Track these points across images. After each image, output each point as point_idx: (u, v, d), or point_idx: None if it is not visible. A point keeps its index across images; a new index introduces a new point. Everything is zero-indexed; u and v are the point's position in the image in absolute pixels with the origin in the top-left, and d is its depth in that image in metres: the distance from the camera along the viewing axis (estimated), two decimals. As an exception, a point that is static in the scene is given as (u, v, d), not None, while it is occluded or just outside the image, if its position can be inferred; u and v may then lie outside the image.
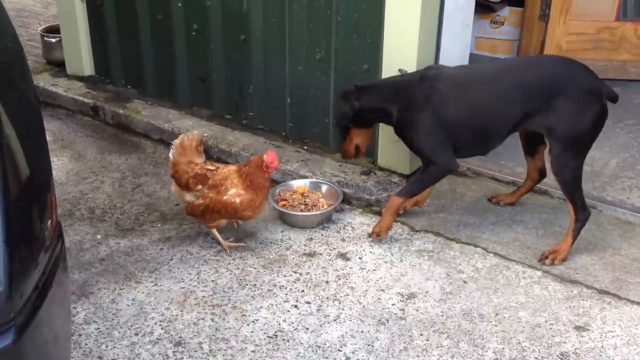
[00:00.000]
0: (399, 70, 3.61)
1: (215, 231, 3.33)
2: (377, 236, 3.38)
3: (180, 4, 4.42)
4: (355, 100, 3.31)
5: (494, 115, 3.19)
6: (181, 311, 2.94)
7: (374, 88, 3.39)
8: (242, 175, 3.20)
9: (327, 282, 3.14)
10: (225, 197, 3.17)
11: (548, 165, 3.27)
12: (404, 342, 2.78)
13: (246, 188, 3.18)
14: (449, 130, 3.19)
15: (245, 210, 3.21)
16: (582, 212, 3.22)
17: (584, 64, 3.23)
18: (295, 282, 3.13)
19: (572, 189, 3.19)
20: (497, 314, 2.94)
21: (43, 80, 5.10)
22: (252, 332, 2.82)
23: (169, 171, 3.31)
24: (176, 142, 3.27)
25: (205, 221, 3.30)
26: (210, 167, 3.26)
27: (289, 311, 2.95)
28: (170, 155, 3.27)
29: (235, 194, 3.18)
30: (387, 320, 2.90)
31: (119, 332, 2.81)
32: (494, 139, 3.26)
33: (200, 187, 3.21)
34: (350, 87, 3.41)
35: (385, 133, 3.83)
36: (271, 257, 3.31)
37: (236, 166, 3.31)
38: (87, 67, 5.13)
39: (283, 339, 2.79)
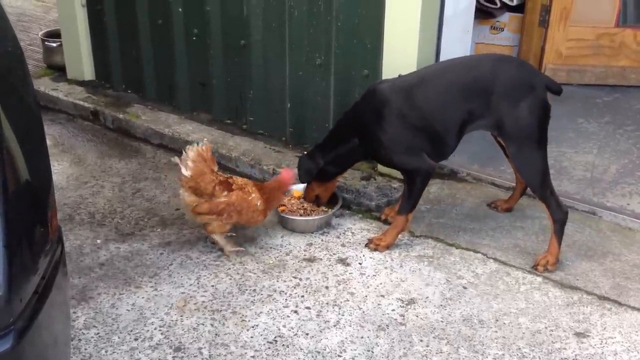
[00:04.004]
0: (399, 75, 3.61)
1: (216, 236, 3.31)
2: (374, 249, 3.39)
3: (180, 9, 4.43)
4: (320, 159, 3.42)
5: (439, 115, 3.20)
6: (181, 316, 2.93)
7: (329, 136, 3.48)
8: (260, 189, 3.32)
9: (327, 287, 3.13)
10: (250, 197, 3.26)
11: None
12: (404, 348, 2.77)
13: (265, 200, 3.30)
14: (410, 136, 3.21)
15: (260, 215, 3.31)
16: (557, 211, 3.20)
17: (518, 59, 3.24)
18: (295, 288, 3.13)
19: (540, 187, 3.18)
20: (497, 320, 2.94)
21: (43, 85, 5.10)
22: (251, 337, 2.82)
23: (187, 184, 3.23)
24: (192, 154, 3.21)
25: (217, 221, 3.26)
26: (227, 176, 3.35)
27: (288, 316, 2.94)
28: (186, 171, 3.20)
29: (257, 197, 3.28)
30: (387, 325, 2.90)
31: (119, 337, 2.80)
32: (447, 141, 3.24)
33: (225, 193, 3.23)
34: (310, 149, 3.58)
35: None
36: (271, 262, 3.31)
37: (252, 180, 3.46)
38: (88, 71, 5.13)
39: (283, 345, 2.78)
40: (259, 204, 3.27)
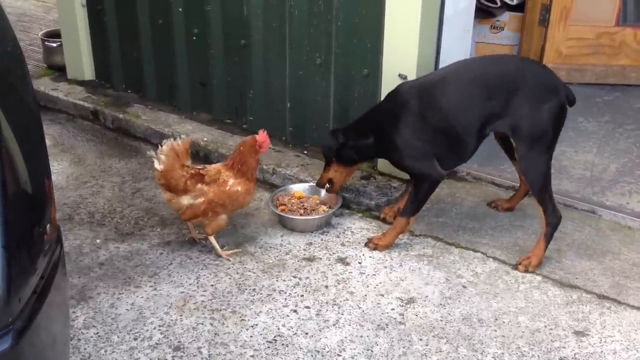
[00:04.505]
0: (399, 75, 3.62)
1: (213, 240, 3.30)
2: (373, 248, 3.39)
3: (180, 9, 4.43)
4: (341, 139, 3.39)
5: (460, 116, 3.17)
6: (180, 316, 2.94)
7: (355, 123, 3.49)
8: (231, 166, 3.26)
9: (326, 286, 3.13)
10: (227, 188, 3.22)
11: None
12: (403, 347, 2.78)
13: (241, 175, 3.25)
14: (426, 139, 3.20)
15: (246, 197, 3.28)
16: (552, 216, 3.20)
17: (539, 62, 3.23)
18: (294, 287, 3.13)
19: (540, 191, 3.17)
20: (496, 319, 2.94)
21: (43, 85, 5.11)
22: (251, 336, 2.82)
23: (158, 180, 3.24)
24: (165, 149, 3.19)
25: (207, 222, 3.27)
26: (199, 167, 3.29)
27: (288, 316, 2.95)
28: (158, 165, 3.18)
29: (235, 183, 3.23)
30: (387, 325, 2.90)
31: (118, 337, 2.81)
32: (468, 143, 3.22)
33: (199, 185, 3.21)
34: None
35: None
36: (270, 261, 3.31)
37: (221, 163, 3.37)
38: (88, 71, 5.14)
39: (282, 344, 2.79)
40: (239, 189, 3.23)
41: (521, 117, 3.08)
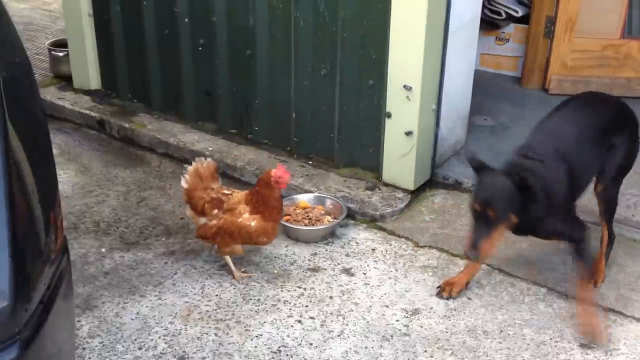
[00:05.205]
0: (404, 86, 3.63)
1: (229, 259, 3.26)
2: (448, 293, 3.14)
3: (186, 20, 4.45)
4: (533, 177, 2.71)
5: (587, 165, 3.11)
6: (185, 325, 2.94)
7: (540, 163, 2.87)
8: (251, 200, 3.12)
9: (331, 297, 3.13)
10: (239, 220, 3.10)
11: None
12: (408, 359, 2.77)
13: (257, 212, 3.08)
14: (570, 197, 3.01)
15: (260, 235, 3.12)
16: (612, 234, 3.29)
17: (613, 96, 3.32)
18: (299, 297, 3.13)
19: (613, 213, 3.26)
20: (501, 331, 2.93)
21: (50, 94, 5.13)
22: (255, 347, 2.82)
23: (184, 197, 3.24)
24: (190, 169, 3.20)
25: (217, 245, 3.22)
26: (226, 192, 3.20)
27: (292, 326, 2.94)
28: (184, 183, 3.19)
29: (250, 217, 3.09)
30: (391, 336, 2.90)
31: (123, 346, 2.81)
32: (585, 185, 3.16)
33: (216, 211, 3.14)
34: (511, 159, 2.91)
35: (390, 147, 3.84)
36: (275, 271, 3.31)
37: (247, 191, 3.22)
38: (94, 81, 5.15)
39: (287, 355, 2.78)
40: (252, 224, 3.09)
41: (619, 155, 3.14)
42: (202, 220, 3.20)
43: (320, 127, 4.13)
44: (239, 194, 3.20)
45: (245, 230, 3.10)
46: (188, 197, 3.21)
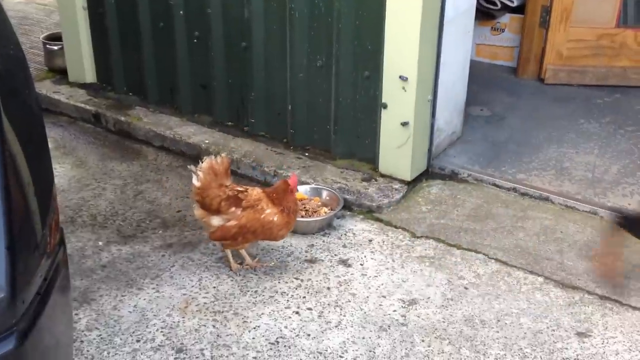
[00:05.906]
0: (400, 77, 3.62)
1: (229, 251, 3.24)
2: None
3: (182, 12, 4.44)
4: None
5: None
6: (183, 318, 2.94)
7: None
8: (272, 200, 3.12)
9: (328, 288, 3.14)
10: (262, 216, 3.08)
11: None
12: (406, 349, 2.78)
13: (281, 211, 3.11)
14: None
15: (281, 230, 3.13)
16: None
17: None
18: (296, 289, 3.13)
19: None
20: (498, 320, 2.94)
21: (45, 88, 5.11)
22: (253, 338, 2.83)
23: (194, 196, 3.15)
24: (204, 166, 3.10)
25: (235, 244, 3.17)
26: (240, 189, 3.15)
27: (290, 317, 2.95)
28: (196, 181, 3.10)
29: (272, 212, 3.10)
30: (389, 326, 2.90)
31: (121, 339, 2.81)
32: None
33: (233, 209, 3.09)
34: None
35: (386, 138, 3.84)
36: (272, 263, 3.31)
37: (262, 190, 3.20)
38: (89, 74, 5.14)
39: (284, 346, 2.79)
40: (275, 219, 3.09)
41: None
42: (215, 219, 3.12)
43: (316, 118, 4.13)
44: (254, 191, 3.16)
45: (269, 225, 3.10)
46: (201, 197, 3.11)
